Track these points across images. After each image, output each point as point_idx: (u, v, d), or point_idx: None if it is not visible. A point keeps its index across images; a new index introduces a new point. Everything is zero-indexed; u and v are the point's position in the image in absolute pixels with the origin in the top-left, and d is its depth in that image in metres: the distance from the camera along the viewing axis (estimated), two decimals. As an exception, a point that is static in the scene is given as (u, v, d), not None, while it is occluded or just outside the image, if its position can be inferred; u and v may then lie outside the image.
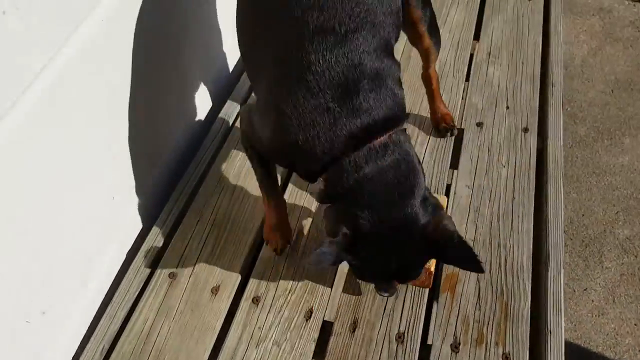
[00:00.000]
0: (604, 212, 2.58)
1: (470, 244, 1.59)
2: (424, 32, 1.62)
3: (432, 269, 1.47)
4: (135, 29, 1.52)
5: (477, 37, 2.27)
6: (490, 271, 1.54)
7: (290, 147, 1.24)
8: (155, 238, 1.67)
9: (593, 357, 2.18)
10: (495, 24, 2.23)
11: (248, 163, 1.81)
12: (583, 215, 2.58)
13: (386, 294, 1.37)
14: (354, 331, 1.48)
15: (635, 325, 2.27)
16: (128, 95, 1.54)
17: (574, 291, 2.36)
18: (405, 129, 1.29)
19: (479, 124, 1.89)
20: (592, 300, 2.33)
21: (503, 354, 1.40)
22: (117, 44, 1.48)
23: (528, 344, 1.42)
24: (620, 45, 3.33)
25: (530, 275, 1.53)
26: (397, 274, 1.28)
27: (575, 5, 3.60)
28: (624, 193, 2.65)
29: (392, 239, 1.21)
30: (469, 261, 1.18)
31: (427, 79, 1.85)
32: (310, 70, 1.19)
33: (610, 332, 2.26)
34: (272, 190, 1.55)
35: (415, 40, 1.69)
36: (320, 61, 1.19)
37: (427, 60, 1.76)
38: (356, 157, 1.20)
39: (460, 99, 1.98)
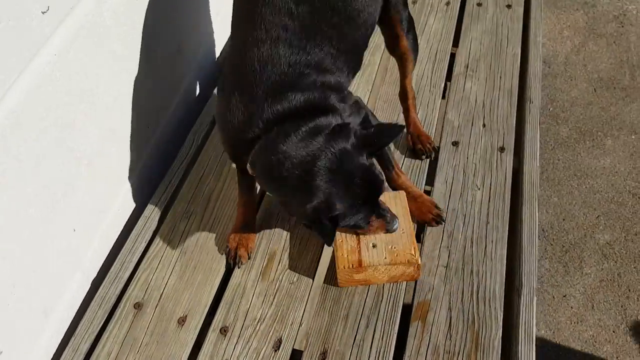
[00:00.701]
0: (584, 216, 2.57)
1: (443, 270, 1.58)
2: (403, 34, 1.65)
3: (419, 261, 1.53)
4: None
5: (456, 44, 2.23)
6: (462, 300, 1.52)
7: None
8: (122, 266, 1.63)
9: (572, 365, 2.19)
10: (474, 34, 2.18)
11: (218, 186, 1.79)
12: (564, 219, 2.56)
13: (395, 223, 1.49)
14: (323, 362, 1.45)
15: (614, 332, 2.27)
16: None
17: (553, 297, 2.35)
18: None
19: (455, 143, 1.85)
20: (571, 307, 2.33)
21: (474, 384, 1.39)
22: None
23: (499, 371, 1.40)
24: (603, 41, 3.29)
25: (503, 303, 1.51)
26: (374, 188, 1.38)
27: (560, -1, 3.55)
28: (604, 197, 2.63)
29: (347, 171, 1.32)
30: (392, 130, 1.39)
31: (404, 94, 1.81)
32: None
33: (588, 339, 2.26)
34: (243, 187, 1.63)
35: (392, 43, 1.70)
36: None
37: (404, 67, 1.74)
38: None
39: (437, 115, 1.94)
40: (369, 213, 1.42)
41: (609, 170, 2.73)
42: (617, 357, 2.21)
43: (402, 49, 1.70)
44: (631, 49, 3.25)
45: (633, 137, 2.85)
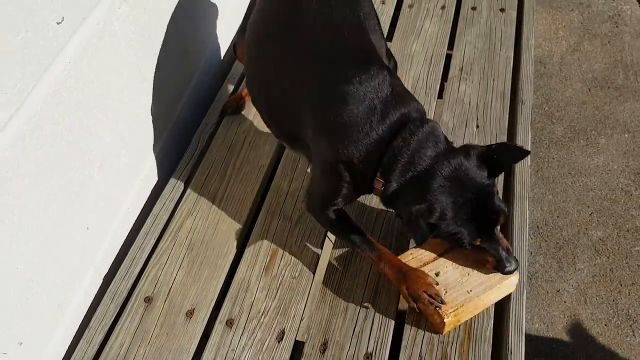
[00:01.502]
0: (578, 213, 2.64)
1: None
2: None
3: (445, 320, 1.48)
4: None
5: (451, 47, 2.30)
6: (455, 292, 1.60)
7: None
8: (132, 262, 1.71)
9: (564, 358, 2.26)
10: (469, 37, 2.25)
11: (223, 186, 1.87)
12: (558, 216, 2.63)
13: (511, 264, 1.43)
14: (324, 352, 1.53)
15: (606, 325, 2.35)
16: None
17: (547, 292, 2.43)
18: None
19: (450, 144, 1.92)
20: (565, 302, 2.40)
21: (466, 371, 1.47)
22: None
23: (490, 362, 1.48)
24: (598, 41, 3.35)
25: (494, 295, 1.58)
26: (491, 211, 1.37)
27: (555, 0, 3.61)
28: (598, 194, 2.71)
29: (463, 182, 1.34)
30: (515, 152, 1.39)
31: None
32: None
33: (581, 332, 2.33)
34: (369, 244, 1.57)
35: None
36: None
37: None
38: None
39: (432, 116, 2.01)
40: (475, 235, 1.39)
41: (603, 169, 2.80)
42: (609, 350, 2.28)
43: None
44: (625, 48, 3.31)
45: (626, 135, 2.92)
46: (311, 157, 1.58)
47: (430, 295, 1.46)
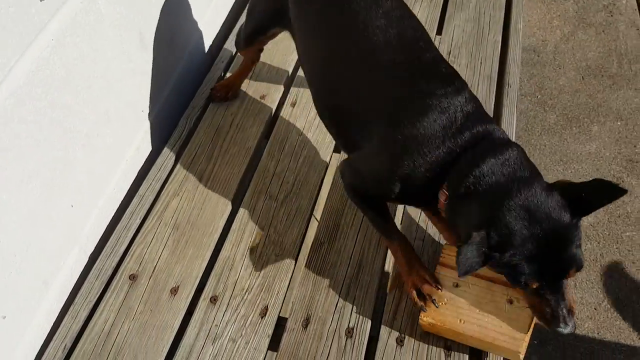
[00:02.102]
0: (569, 199, 2.65)
1: (420, 243, 1.67)
2: None
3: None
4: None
5: (440, 31, 2.31)
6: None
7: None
8: (117, 241, 1.73)
9: (554, 341, 2.26)
10: (457, 21, 2.26)
11: (209, 167, 1.89)
12: (549, 203, 2.64)
13: (570, 326, 1.24)
14: (306, 327, 1.55)
15: (595, 309, 2.35)
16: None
17: (538, 278, 2.44)
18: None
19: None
20: (555, 286, 2.41)
21: (445, 346, 1.47)
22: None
23: (469, 339, 1.49)
24: (592, 30, 3.35)
25: (475, 272, 1.59)
26: (563, 257, 1.18)
27: None
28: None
29: (537, 214, 1.17)
30: (610, 190, 1.17)
31: None
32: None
33: (571, 317, 2.34)
34: (394, 234, 1.53)
35: None
36: None
37: None
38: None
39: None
40: (536, 277, 1.19)
41: (595, 155, 2.80)
42: (598, 333, 2.29)
43: None
44: (620, 37, 3.31)
45: (619, 123, 2.92)
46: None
47: (420, 294, 1.47)
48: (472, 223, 1.23)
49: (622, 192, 1.16)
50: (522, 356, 1.37)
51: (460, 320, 1.42)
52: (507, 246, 1.17)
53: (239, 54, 2.17)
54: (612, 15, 3.45)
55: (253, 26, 1.83)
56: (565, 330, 1.24)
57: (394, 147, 1.37)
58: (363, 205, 1.55)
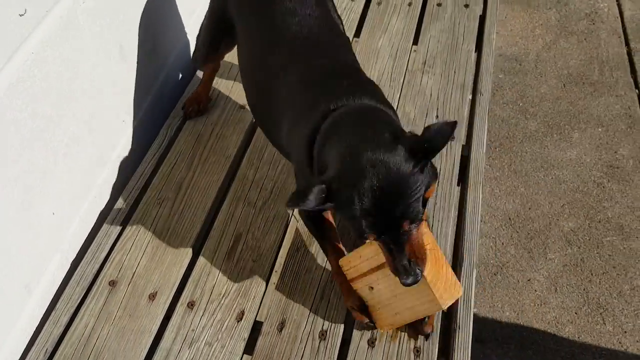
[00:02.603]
0: (550, 205, 2.69)
1: (392, 247, 1.71)
2: None
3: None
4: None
5: (416, 41, 2.36)
6: (408, 272, 1.65)
7: None
8: (98, 248, 1.78)
9: (535, 345, 2.30)
10: (433, 32, 2.32)
11: (189, 175, 1.94)
12: (529, 208, 2.68)
13: (410, 277, 1.26)
14: (281, 330, 1.59)
15: (576, 313, 2.38)
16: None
17: (518, 282, 2.47)
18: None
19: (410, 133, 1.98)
20: (535, 290, 2.44)
21: (415, 347, 1.51)
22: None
23: (438, 339, 1.53)
24: (574, 38, 3.41)
25: (446, 275, 1.63)
26: (397, 209, 1.21)
27: (533, -1, 3.68)
28: (570, 186, 2.75)
29: (376, 167, 1.20)
30: (443, 128, 1.21)
31: None
32: None
33: (551, 320, 2.37)
34: (331, 255, 1.59)
35: None
36: None
37: None
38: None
39: (395, 108, 2.07)
40: (371, 229, 1.23)
41: (575, 162, 2.85)
42: (578, 337, 2.32)
43: None
44: (601, 45, 3.37)
45: (599, 129, 2.97)
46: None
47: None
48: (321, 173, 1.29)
49: (453, 124, 1.20)
50: (445, 303, 1.41)
51: (396, 314, 1.49)
52: (344, 198, 1.21)
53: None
54: (594, 24, 3.51)
55: (203, 38, 1.93)
56: (407, 281, 1.26)
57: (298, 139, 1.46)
58: (307, 222, 1.64)
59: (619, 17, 3.55)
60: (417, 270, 1.26)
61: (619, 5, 3.63)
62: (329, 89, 1.44)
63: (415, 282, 1.27)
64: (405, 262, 1.26)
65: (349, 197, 1.21)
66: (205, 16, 1.94)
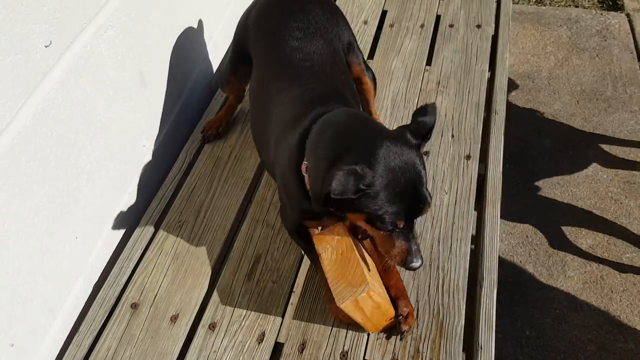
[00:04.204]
0: (567, 222, 2.68)
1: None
2: (364, 75, 1.92)
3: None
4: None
5: (429, 62, 2.39)
6: (428, 292, 1.65)
7: None
8: (120, 271, 1.80)
9: (556, 364, 2.27)
10: (446, 53, 2.35)
11: (209, 198, 1.97)
12: (547, 226, 2.67)
13: (420, 260, 1.34)
14: (302, 352, 1.59)
15: (597, 332, 2.36)
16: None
17: (537, 300, 2.45)
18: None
19: (426, 153, 2.00)
20: (555, 309, 2.42)
21: (438, 367, 1.51)
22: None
23: (460, 359, 1.52)
24: (586, 55, 3.42)
25: (465, 295, 1.63)
26: (419, 196, 1.30)
27: (544, 16, 3.70)
28: (587, 203, 2.74)
29: (397, 159, 1.28)
30: (427, 108, 1.35)
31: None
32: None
33: (572, 339, 2.35)
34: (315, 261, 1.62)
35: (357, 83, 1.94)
36: None
37: (368, 97, 1.98)
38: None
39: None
40: (402, 216, 1.30)
41: (592, 178, 2.84)
42: (600, 356, 2.29)
43: (364, 85, 1.96)
44: (614, 61, 3.38)
45: (615, 145, 2.97)
46: None
47: None
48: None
49: (433, 105, 1.34)
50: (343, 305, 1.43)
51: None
52: (374, 185, 1.25)
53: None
54: (605, 40, 3.52)
55: (227, 66, 2.05)
56: (417, 264, 1.34)
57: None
58: (294, 234, 1.68)
59: (631, 33, 3.56)
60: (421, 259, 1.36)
61: (630, 22, 3.64)
62: (318, 103, 1.52)
63: (421, 265, 1.36)
64: (416, 247, 1.35)
65: (380, 185, 1.25)
66: (229, 47, 2.06)
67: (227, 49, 2.58)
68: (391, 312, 1.53)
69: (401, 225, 1.32)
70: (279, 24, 1.76)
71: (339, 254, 1.47)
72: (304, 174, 1.43)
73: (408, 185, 1.28)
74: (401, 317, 1.54)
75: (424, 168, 1.33)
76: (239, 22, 1.95)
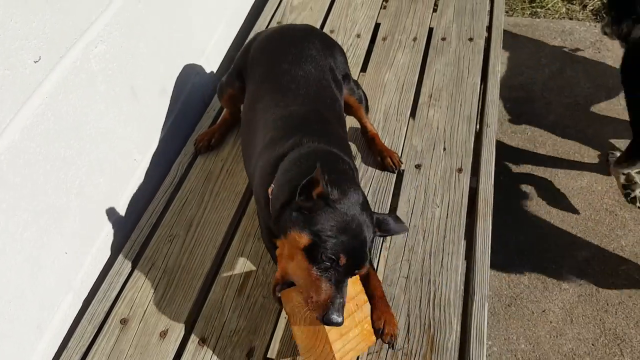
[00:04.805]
0: (562, 234, 2.67)
1: (403, 281, 1.70)
2: (354, 99, 2.00)
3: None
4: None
5: (421, 76, 2.40)
6: (419, 307, 1.64)
7: None
8: (110, 286, 1.79)
9: (552, 379, 2.25)
10: (438, 66, 2.35)
11: (200, 212, 1.96)
12: (542, 238, 2.66)
13: (340, 317, 1.28)
14: (292, 368, 1.58)
15: (593, 345, 2.34)
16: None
17: (533, 313, 2.44)
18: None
19: (418, 166, 2.00)
20: (551, 322, 2.41)
21: (428, 385, 1.49)
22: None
23: (452, 375, 1.51)
24: (580, 67, 3.43)
25: (458, 309, 1.62)
26: (364, 250, 1.33)
27: (538, 28, 3.72)
28: (582, 215, 2.73)
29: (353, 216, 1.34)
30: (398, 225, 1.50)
31: (364, 130, 2.09)
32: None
33: (568, 352, 2.33)
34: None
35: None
36: None
37: (359, 115, 2.05)
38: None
39: (402, 141, 2.10)
40: (346, 252, 1.30)
41: (586, 190, 2.83)
42: (597, 370, 2.27)
43: (354, 107, 2.02)
44: (607, 73, 3.38)
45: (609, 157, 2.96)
46: None
47: None
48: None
49: (404, 227, 1.54)
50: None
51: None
52: (337, 208, 1.32)
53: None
54: (599, 52, 3.53)
55: (226, 78, 2.10)
56: (339, 319, 1.27)
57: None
58: (269, 244, 1.64)
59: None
60: (342, 319, 1.30)
61: (624, 33, 3.64)
62: (297, 130, 1.57)
63: (338, 324, 1.29)
64: (341, 300, 1.30)
65: (339, 213, 1.32)
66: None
67: (220, 63, 2.58)
68: (372, 340, 1.50)
69: (342, 262, 1.29)
70: (277, 49, 1.87)
71: (307, 323, 1.41)
72: (269, 196, 1.47)
73: (361, 234, 1.33)
74: (380, 332, 1.52)
75: (372, 242, 1.39)
76: (245, 44, 2.07)
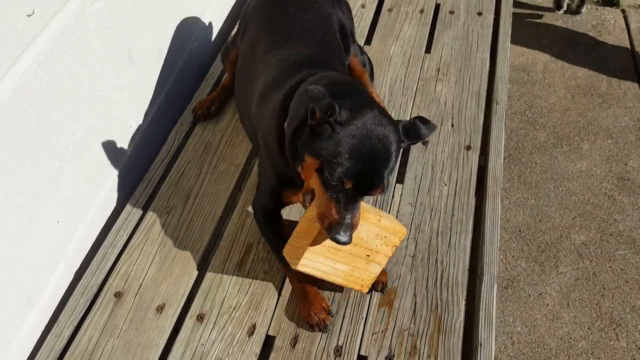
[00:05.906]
0: (560, 217, 2.64)
1: (410, 260, 1.65)
2: (357, 61, 1.94)
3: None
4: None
5: (428, 49, 2.32)
6: (426, 286, 1.59)
7: None
8: (103, 258, 1.71)
9: (547, 361, 2.24)
10: (446, 39, 2.28)
11: (198, 183, 1.88)
12: (540, 221, 2.63)
13: (347, 235, 1.26)
14: (294, 346, 1.52)
15: (589, 329, 2.33)
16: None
17: (529, 295, 2.42)
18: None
19: (425, 142, 1.94)
20: (547, 305, 2.39)
21: (435, 365, 1.45)
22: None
23: (459, 356, 1.46)
24: (581, 49, 3.39)
25: (465, 290, 1.58)
26: (377, 174, 1.25)
27: (540, 10, 3.66)
28: (580, 198, 2.71)
29: (378, 125, 1.26)
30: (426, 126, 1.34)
31: None
32: None
33: (564, 335, 2.31)
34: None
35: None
36: None
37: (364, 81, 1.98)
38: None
39: (409, 116, 2.03)
40: (352, 177, 1.24)
41: (586, 174, 2.81)
42: (592, 353, 2.26)
43: (357, 71, 1.95)
44: (608, 56, 3.35)
45: (609, 141, 2.93)
46: None
47: (318, 321, 1.53)
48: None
49: (434, 126, 1.35)
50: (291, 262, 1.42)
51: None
52: (344, 128, 1.23)
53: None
54: (600, 35, 3.49)
55: (232, 39, 2.05)
56: (343, 239, 1.26)
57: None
58: (263, 226, 1.64)
59: (626, 29, 3.53)
60: (351, 235, 1.28)
61: (625, 18, 3.61)
62: (304, 65, 1.51)
63: (346, 242, 1.28)
64: (349, 221, 1.27)
65: (348, 132, 1.23)
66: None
67: (219, 30, 2.48)
68: (356, 284, 1.51)
69: (347, 186, 1.25)
70: None
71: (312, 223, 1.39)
72: (285, 130, 1.40)
73: (372, 156, 1.24)
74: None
75: (396, 159, 1.28)
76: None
